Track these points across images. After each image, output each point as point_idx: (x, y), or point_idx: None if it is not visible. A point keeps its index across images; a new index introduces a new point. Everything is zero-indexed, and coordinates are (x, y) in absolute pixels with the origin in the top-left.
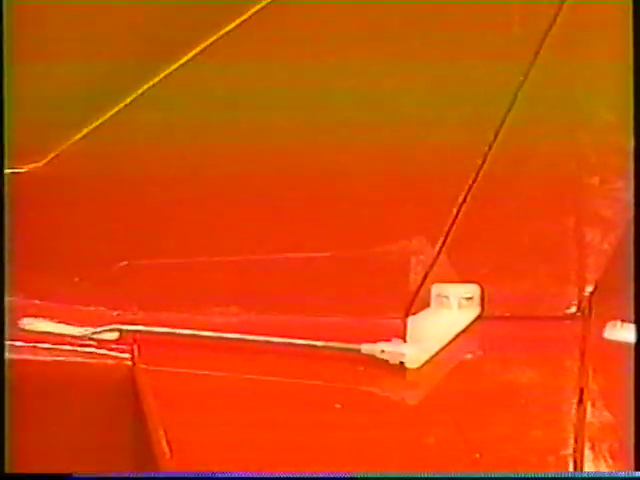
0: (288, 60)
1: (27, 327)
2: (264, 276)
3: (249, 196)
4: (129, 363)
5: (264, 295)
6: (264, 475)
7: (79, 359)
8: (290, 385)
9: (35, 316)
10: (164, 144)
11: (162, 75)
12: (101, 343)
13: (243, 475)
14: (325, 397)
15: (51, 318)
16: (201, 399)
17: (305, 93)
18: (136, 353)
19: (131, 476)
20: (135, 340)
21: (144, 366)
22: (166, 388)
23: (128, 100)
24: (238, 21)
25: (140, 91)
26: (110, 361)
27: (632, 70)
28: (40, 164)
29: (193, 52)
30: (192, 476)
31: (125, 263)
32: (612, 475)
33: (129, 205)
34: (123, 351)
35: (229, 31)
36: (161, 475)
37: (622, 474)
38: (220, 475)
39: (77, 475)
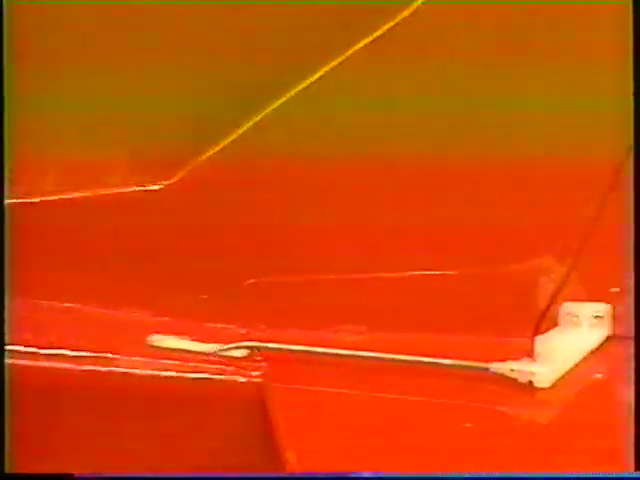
0: (435, 66)
1: (156, 344)
2: (392, 294)
3: (377, 214)
4: (258, 380)
5: (392, 313)
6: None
7: (208, 376)
8: (418, 403)
9: (164, 333)
10: (295, 161)
11: (298, 88)
12: (230, 360)
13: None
14: (454, 416)
15: (180, 335)
16: (330, 417)
17: (445, 100)
18: (265, 370)
19: (132, 476)
20: (264, 357)
21: (273, 383)
22: (295, 405)
23: (259, 117)
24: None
25: (277, 103)
26: (239, 378)
27: (632, 75)
28: (172, 181)
29: (330, 65)
30: (196, 477)
31: (253, 280)
32: (612, 475)
33: (258, 222)
34: (252, 368)
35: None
36: (162, 476)
37: (622, 474)
38: (233, 476)
39: (79, 475)
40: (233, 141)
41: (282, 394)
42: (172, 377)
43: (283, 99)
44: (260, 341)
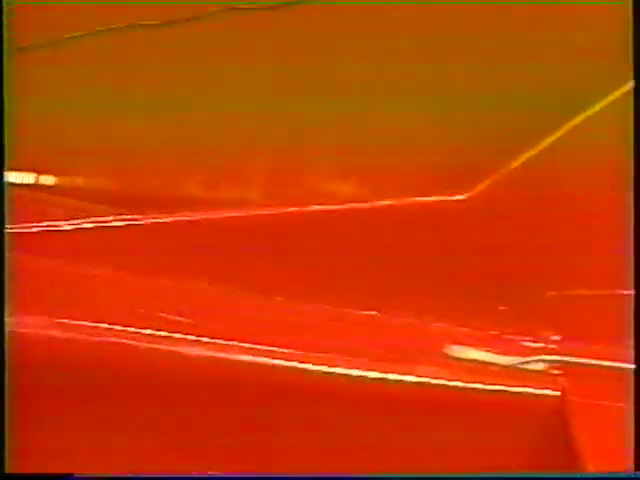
0: None
1: (455, 354)
2: None
3: None
4: (557, 394)
5: None
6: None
7: (506, 388)
8: None
9: (462, 343)
10: (593, 174)
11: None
12: (528, 373)
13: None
14: None
15: (478, 346)
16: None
17: None
18: (564, 384)
19: (132, 476)
20: (563, 371)
21: (573, 398)
22: (595, 420)
23: (561, 132)
24: None
25: (582, 116)
26: (537, 391)
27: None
28: (475, 192)
29: None
30: (195, 477)
31: (553, 293)
32: (612, 475)
33: (557, 235)
34: (550, 382)
35: None
36: (162, 476)
37: (622, 474)
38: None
39: (78, 475)
40: (535, 154)
41: (582, 409)
42: (469, 388)
43: (588, 112)
44: (556, 354)
